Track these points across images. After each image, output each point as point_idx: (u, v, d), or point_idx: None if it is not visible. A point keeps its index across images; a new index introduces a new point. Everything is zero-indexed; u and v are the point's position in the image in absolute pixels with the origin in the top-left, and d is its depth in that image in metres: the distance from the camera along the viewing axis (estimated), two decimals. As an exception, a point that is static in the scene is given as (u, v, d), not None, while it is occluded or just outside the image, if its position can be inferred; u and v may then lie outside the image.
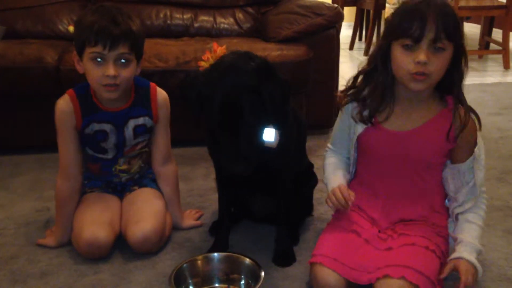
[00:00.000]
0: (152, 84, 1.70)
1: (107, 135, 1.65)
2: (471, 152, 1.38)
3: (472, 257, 1.35)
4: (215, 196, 1.76)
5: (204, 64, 1.50)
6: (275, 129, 1.43)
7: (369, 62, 1.42)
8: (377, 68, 1.38)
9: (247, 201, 1.75)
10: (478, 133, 1.39)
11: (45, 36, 2.68)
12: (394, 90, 1.39)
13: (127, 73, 1.55)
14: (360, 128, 1.44)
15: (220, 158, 1.36)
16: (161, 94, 1.70)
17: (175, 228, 1.78)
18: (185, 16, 2.86)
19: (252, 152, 1.36)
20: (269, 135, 1.43)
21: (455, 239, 1.41)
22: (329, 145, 1.60)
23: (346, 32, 5.30)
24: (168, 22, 2.84)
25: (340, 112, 1.53)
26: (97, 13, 1.53)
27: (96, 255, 1.60)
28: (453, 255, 1.37)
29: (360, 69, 1.44)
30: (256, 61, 1.40)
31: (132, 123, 1.66)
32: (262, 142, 1.41)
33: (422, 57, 1.26)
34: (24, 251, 1.68)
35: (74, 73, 1.66)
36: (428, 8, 1.25)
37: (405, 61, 1.29)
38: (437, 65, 1.28)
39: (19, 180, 2.22)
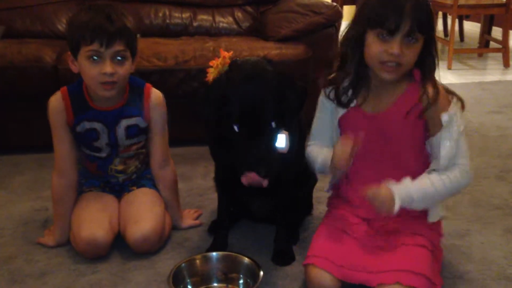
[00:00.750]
0: (147, 85, 1.68)
1: (98, 134, 1.64)
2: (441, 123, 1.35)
3: (398, 190, 1.32)
4: (214, 195, 1.76)
5: (212, 71, 1.51)
6: (287, 134, 1.44)
7: (342, 45, 1.41)
8: (351, 52, 1.38)
9: (247, 201, 1.74)
10: (458, 110, 1.36)
11: (43, 35, 2.68)
12: (367, 72, 1.39)
13: (124, 70, 1.55)
14: (341, 111, 1.44)
15: (241, 166, 1.36)
16: (155, 95, 1.68)
17: (174, 228, 1.78)
18: (184, 15, 2.86)
19: (274, 158, 1.36)
20: (281, 141, 1.44)
21: None
22: (310, 141, 1.55)
23: (345, 30, 5.30)
24: (167, 21, 2.84)
25: (319, 103, 1.51)
26: (91, 11, 1.54)
27: (94, 254, 1.60)
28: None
29: (335, 53, 1.45)
30: (272, 68, 1.42)
31: (124, 123, 1.65)
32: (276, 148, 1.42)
33: (395, 49, 1.27)
34: (22, 250, 1.68)
35: (72, 72, 1.66)
36: (405, 0, 1.26)
37: (378, 50, 1.30)
38: (409, 56, 1.30)
39: (17, 179, 2.22)
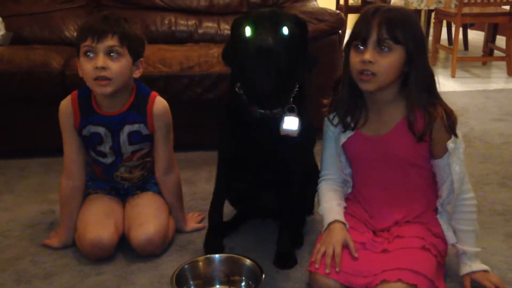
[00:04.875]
0: (153, 94, 1.70)
1: (102, 138, 1.67)
2: (446, 147, 1.39)
3: (480, 266, 1.45)
4: (217, 199, 1.77)
5: None
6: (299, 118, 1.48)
7: (341, 70, 1.47)
8: (343, 75, 1.44)
9: (252, 195, 1.75)
10: (458, 130, 1.39)
11: (51, 42, 2.72)
12: (361, 94, 1.43)
13: (118, 67, 1.57)
14: (343, 137, 1.48)
15: (250, 70, 1.38)
16: (159, 104, 1.68)
17: (178, 231, 1.79)
18: (189, 23, 2.89)
19: (281, 60, 1.37)
20: (293, 123, 1.47)
21: (457, 249, 1.47)
22: (321, 173, 1.59)
23: (350, 39, 5.32)
24: (173, 28, 2.87)
25: (324, 131, 1.55)
26: (92, 16, 1.64)
27: (99, 256, 1.62)
28: (465, 270, 1.45)
29: (335, 78, 1.51)
30: None
31: (127, 129, 1.67)
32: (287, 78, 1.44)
33: (366, 56, 1.33)
34: (28, 252, 1.70)
35: (79, 78, 1.70)
36: (374, 14, 1.34)
37: (354, 61, 1.37)
38: (383, 65, 1.33)
39: (24, 183, 2.25)
